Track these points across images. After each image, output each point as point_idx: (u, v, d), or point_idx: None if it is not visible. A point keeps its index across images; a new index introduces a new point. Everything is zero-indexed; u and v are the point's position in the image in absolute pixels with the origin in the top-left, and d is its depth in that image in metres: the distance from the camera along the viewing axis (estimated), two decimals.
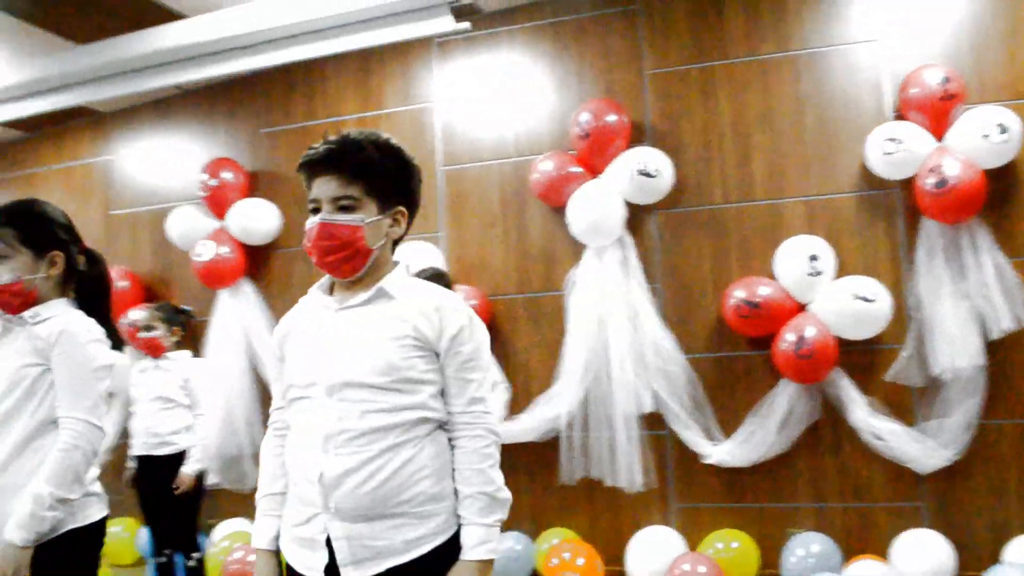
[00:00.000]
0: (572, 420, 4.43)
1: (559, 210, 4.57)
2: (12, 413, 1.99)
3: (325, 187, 1.68)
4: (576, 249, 4.55)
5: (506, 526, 4.33)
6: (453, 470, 1.67)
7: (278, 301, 5.17)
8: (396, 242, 1.78)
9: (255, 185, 5.27)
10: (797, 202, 4.31)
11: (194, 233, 5.12)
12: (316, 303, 1.77)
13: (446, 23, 3.90)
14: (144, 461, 3.94)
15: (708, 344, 4.41)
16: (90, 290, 2.22)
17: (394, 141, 1.77)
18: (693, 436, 4.29)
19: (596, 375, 4.37)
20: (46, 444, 1.97)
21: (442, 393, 1.69)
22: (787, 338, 4.00)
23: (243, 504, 5.02)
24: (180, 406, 3.93)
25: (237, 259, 5.08)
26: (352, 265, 1.69)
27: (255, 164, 5.31)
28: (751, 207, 4.39)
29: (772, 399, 4.19)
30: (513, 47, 4.82)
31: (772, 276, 4.22)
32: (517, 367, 4.65)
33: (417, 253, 4.71)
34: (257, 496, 1.81)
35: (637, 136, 4.51)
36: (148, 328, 3.99)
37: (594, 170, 4.47)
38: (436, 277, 3.07)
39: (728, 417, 4.31)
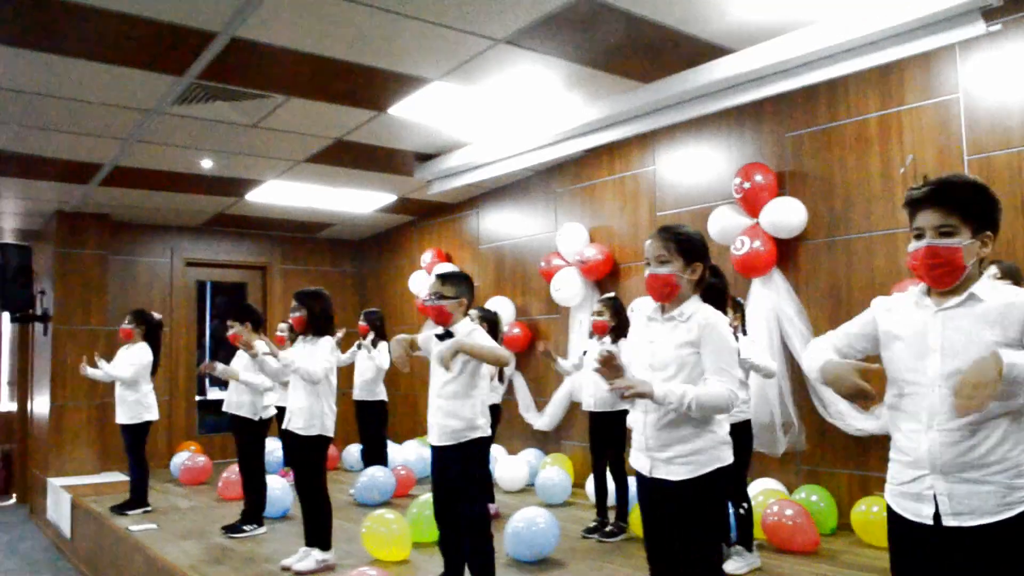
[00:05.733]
0: None
1: None
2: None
3: (928, 218, 2.18)
4: None
5: None
6: None
7: (805, 288, 5.83)
8: (982, 260, 2.20)
9: (783, 184, 5.97)
10: None
11: (731, 229, 5.98)
12: (916, 300, 2.25)
13: (977, 28, 4.11)
14: None
15: None
16: (711, 295, 3.06)
17: (980, 180, 2.23)
18: None
19: None
20: None
21: None
22: None
23: (773, 465, 5.82)
24: None
25: (769, 251, 5.82)
26: (952, 278, 2.16)
27: (782, 165, 6.00)
28: None
29: None
30: None
31: None
32: None
33: None
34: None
35: None
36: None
37: None
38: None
39: None
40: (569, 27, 4.78)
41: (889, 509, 2.29)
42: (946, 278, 2.17)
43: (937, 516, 2.12)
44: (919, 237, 2.21)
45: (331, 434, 4.91)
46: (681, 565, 2.93)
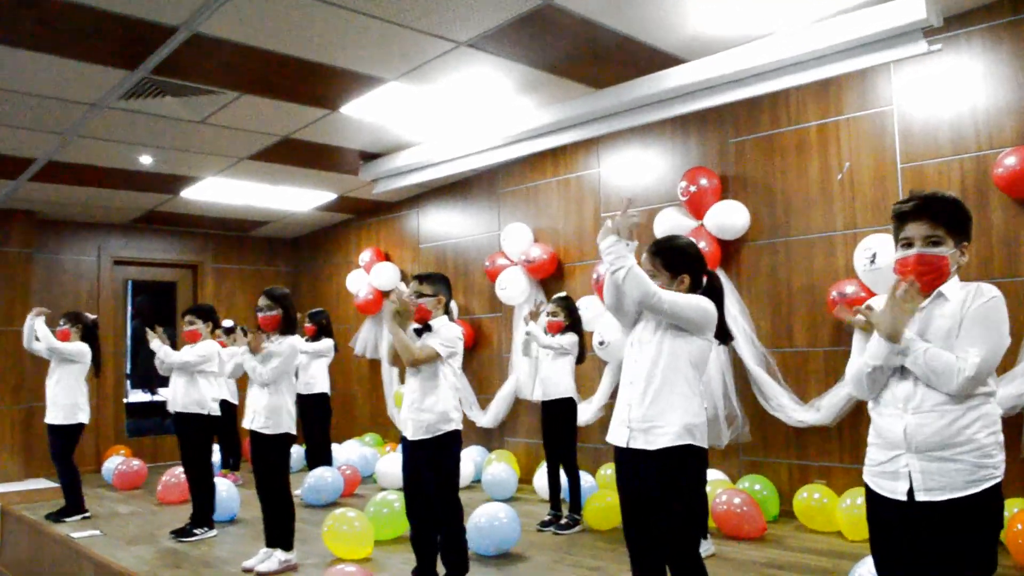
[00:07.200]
0: None
1: (1021, 201, 4.85)
2: None
3: (918, 228, 2.42)
4: None
5: None
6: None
7: (747, 287, 6.11)
8: (959, 267, 2.48)
9: (726, 188, 6.23)
10: None
11: (677, 230, 6.18)
12: None
13: (919, 47, 4.42)
14: None
15: None
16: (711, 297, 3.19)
17: (957, 196, 2.46)
18: None
19: None
20: None
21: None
22: None
23: (716, 456, 6.07)
24: None
25: (713, 252, 6.06)
26: (939, 283, 2.42)
27: (725, 170, 6.27)
28: None
29: None
30: (971, 46, 5.13)
31: None
32: None
33: (882, 245, 5.27)
34: None
35: None
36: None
37: None
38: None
39: None
40: (531, 31, 4.89)
41: (867, 489, 2.52)
42: (934, 283, 2.43)
43: (911, 492, 2.35)
44: (908, 246, 2.44)
45: (294, 431, 4.90)
46: (658, 538, 3.03)
